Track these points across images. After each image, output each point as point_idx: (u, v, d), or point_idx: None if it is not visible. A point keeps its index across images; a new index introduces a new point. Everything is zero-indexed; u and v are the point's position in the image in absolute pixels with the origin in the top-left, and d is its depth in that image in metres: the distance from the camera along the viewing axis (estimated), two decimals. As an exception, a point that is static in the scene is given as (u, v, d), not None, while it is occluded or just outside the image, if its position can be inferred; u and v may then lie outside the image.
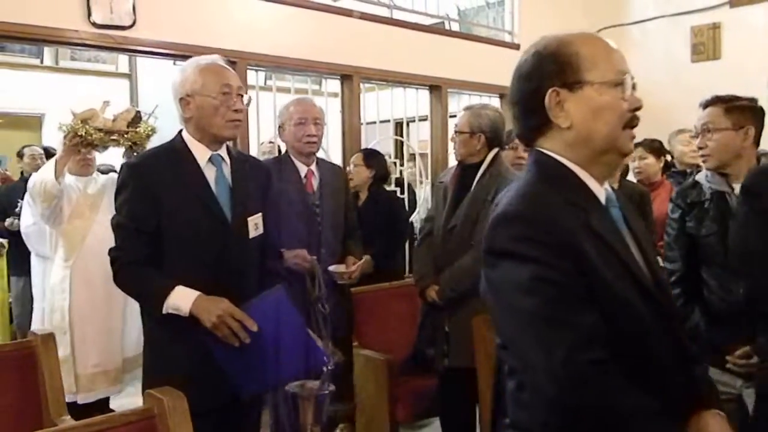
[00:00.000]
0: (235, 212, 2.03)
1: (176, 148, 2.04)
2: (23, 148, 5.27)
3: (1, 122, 6.91)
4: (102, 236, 3.30)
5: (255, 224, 2.09)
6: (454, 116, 5.72)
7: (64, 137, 3.21)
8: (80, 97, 6.66)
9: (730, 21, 5.51)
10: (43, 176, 3.23)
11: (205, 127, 2.00)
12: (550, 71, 1.24)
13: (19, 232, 4.10)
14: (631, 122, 1.25)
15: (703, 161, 2.38)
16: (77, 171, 3.51)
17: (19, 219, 4.18)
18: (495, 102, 5.99)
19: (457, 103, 5.92)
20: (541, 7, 6.06)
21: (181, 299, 1.88)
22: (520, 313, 1.14)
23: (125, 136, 3.27)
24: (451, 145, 3.14)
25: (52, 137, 6.39)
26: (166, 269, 1.95)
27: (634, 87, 1.25)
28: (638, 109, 1.26)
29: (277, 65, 4.33)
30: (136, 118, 3.33)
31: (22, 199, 4.19)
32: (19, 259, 4.41)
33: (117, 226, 1.99)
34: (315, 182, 2.91)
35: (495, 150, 2.88)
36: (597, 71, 1.22)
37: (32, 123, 7.01)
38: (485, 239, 1.24)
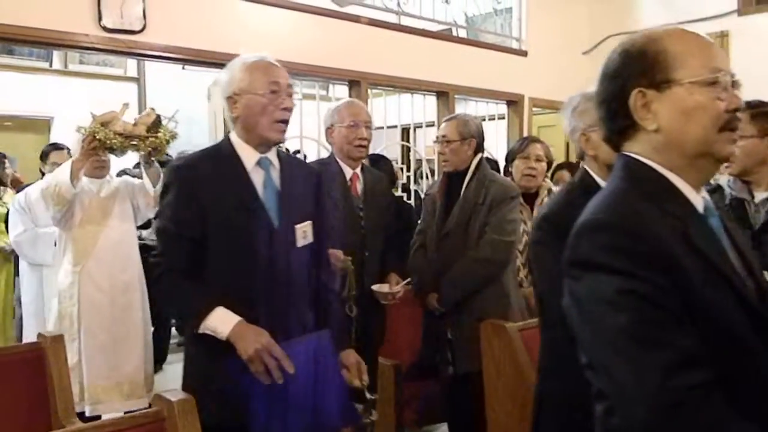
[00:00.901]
0: (282, 219, 1.91)
1: (223, 150, 1.95)
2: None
3: (9, 125, 6.93)
4: (114, 241, 3.28)
5: (303, 232, 1.96)
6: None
7: (83, 140, 3.07)
8: (89, 101, 6.75)
9: (738, 29, 5.51)
10: (58, 179, 3.08)
11: (252, 128, 1.90)
12: (636, 70, 1.16)
13: None
14: (730, 124, 1.14)
15: (726, 167, 2.37)
16: (91, 173, 3.34)
17: None
18: (502, 108, 6.01)
19: (464, 110, 5.93)
20: (549, 14, 6.07)
21: (220, 322, 1.77)
22: (607, 330, 1.04)
23: (145, 141, 3.13)
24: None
25: (60, 140, 6.43)
26: (208, 278, 1.86)
27: (734, 85, 1.15)
28: (738, 109, 1.15)
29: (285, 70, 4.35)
30: (156, 123, 3.19)
31: None
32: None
33: (160, 230, 1.92)
34: (359, 186, 2.86)
35: (479, 155, 2.93)
36: (687, 69, 1.13)
37: (41, 126, 7.03)
38: (568, 249, 1.13)
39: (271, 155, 1.96)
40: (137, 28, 3.68)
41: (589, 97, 1.74)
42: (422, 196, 5.41)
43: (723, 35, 5.54)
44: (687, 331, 1.02)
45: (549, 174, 4.90)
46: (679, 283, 1.03)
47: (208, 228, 1.84)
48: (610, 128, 1.23)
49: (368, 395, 1.93)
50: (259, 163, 1.93)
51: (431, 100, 5.41)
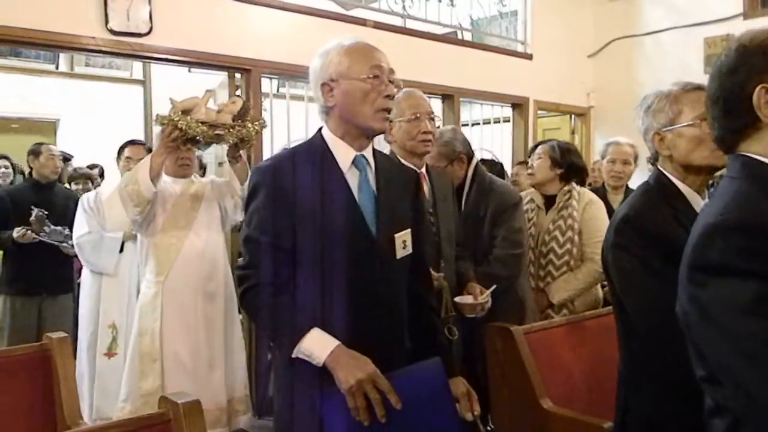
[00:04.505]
0: (381, 227, 1.69)
1: (315, 148, 1.72)
2: (40, 145, 4.47)
3: (16, 127, 6.96)
4: (199, 249, 2.98)
5: (403, 242, 1.74)
6: (467, 125, 5.74)
7: (162, 131, 2.73)
8: (95, 103, 6.78)
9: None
10: (137, 176, 2.75)
11: (351, 117, 1.68)
12: (759, 65, 1.08)
13: (20, 244, 3.89)
14: None
15: None
16: (174, 172, 3.01)
17: (27, 228, 3.91)
18: (507, 111, 6.00)
19: (470, 113, 5.93)
20: (554, 17, 6.07)
21: (317, 346, 1.56)
22: (743, 340, 0.96)
23: (231, 130, 2.77)
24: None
25: (67, 142, 6.47)
26: (298, 294, 1.65)
27: None
28: None
29: (290, 73, 4.36)
30: (243, 110, 2.84)
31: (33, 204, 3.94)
32: (13, 276, 4.07)
33: (247, 240, 1.68)
34: (427, 187, 2.52)
35: (474, 162, 2.84)
36: None
37: (47, 128, 7.06)
38: (692, 252, 1.06)
39: (368, 153, 1.75)
40: (144, 30, 3.69)
41: (663, 96, 1.69)
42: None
43: (728, 38, 5.53)
44: None
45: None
46: None
47: (299, 238, 1.64)
48: (725, 127, 1.15)
49: (482, 428, 1.73)
50: (354, 162, 1.71)
51: (436, 103, 5.41)
